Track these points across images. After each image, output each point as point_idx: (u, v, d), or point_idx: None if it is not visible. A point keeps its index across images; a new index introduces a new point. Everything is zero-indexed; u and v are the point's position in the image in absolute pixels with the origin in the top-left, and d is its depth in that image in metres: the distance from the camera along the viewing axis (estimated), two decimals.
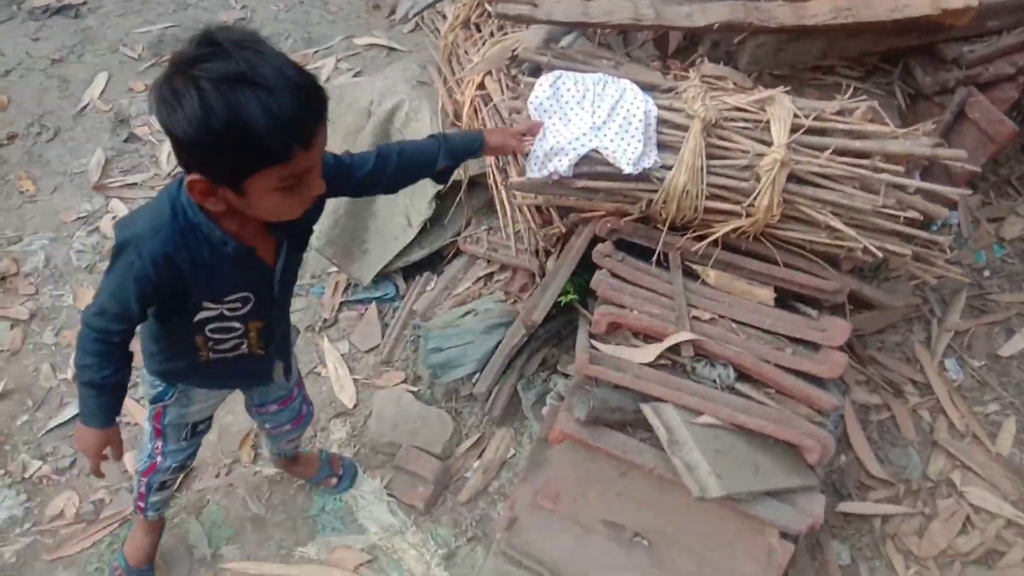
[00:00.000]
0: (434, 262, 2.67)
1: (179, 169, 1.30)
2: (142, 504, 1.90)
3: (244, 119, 1.02)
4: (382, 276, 2.65)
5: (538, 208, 2.09)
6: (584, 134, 1.76)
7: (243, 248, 1.28)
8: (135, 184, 3.14)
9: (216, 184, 1.14)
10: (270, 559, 2.10)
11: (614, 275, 1.92)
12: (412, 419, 2.26)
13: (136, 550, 1.98)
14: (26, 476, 2.30)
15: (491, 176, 2.30)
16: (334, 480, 2.19)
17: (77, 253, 2.90)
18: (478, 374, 2.24)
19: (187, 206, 1.23)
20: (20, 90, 3.50)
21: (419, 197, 2.47)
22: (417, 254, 2.58)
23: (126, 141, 3.31)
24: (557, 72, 1.84)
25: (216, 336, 1.45)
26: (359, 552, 2.09)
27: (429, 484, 2.14)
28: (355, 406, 2.43)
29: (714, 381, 1.81)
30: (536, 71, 2.10)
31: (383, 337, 2.57)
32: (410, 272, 2.68)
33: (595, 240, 1.99)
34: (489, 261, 2.46)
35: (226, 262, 1.28)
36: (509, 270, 2.43)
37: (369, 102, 2.52)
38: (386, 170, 1.52)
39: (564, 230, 2.04)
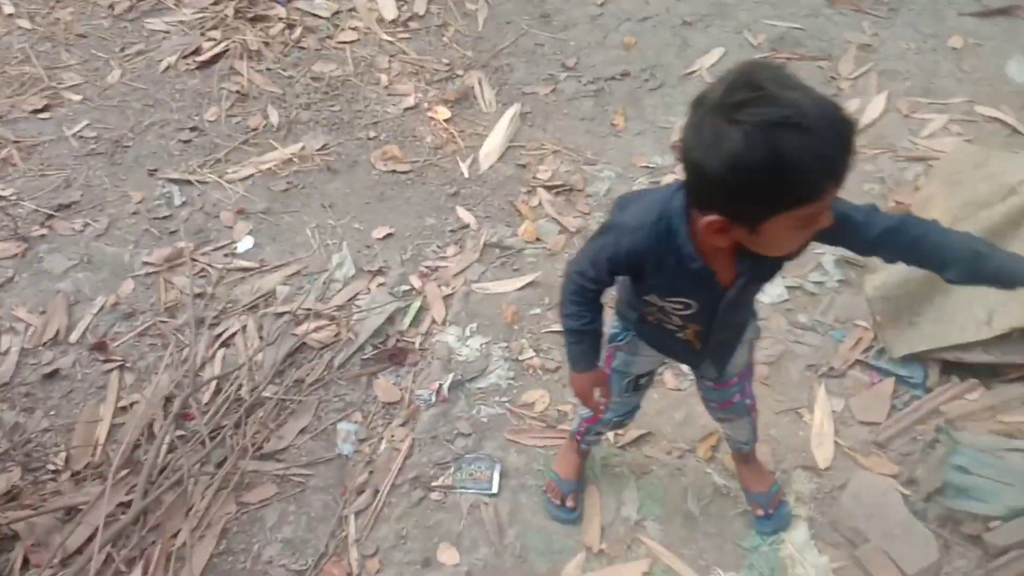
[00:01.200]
0: (983, 372, 2.30)
1: None
2: (579, 438, 2.08)
3: (786, 162, 1.03)
4: (915, 357, 2.36)
5: None
6: None
7: (707, 269, 1.32)
8: None
9: (733, 223, 1.16)
10: (687, 561, 2.04)
11: None
12: (892, 522, 1.99)
13: (565, 466, 2.16)
14: (519, 358, 2.55)
15: None
16: (762, 512, 2.09)
17: None
18: (1000, 522, 1.87)
19: (673, 215, 1.28)
20: (647, 38, 3.82)
21: (1019, 301, 2.11)
22: (974, 356, 2.23)
23: None
24: None
25: (658, 317, 1.53)
26: None
27: None
28: (827, 469, 2.22)
29: None
30: None
31: (886, 419, 2.30)
32: (950, 369, 2.35)
33: None
34: None
35: (686, 273, 1.33)
36: None
37: (1019, 180, 2.20)
38: (895, 244, 1.36)
39: None
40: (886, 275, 2.34)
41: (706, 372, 1.76)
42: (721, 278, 1.36)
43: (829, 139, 1.04)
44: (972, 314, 2.22)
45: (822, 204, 1.11)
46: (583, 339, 1.58)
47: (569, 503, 2.14)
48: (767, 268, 1.39)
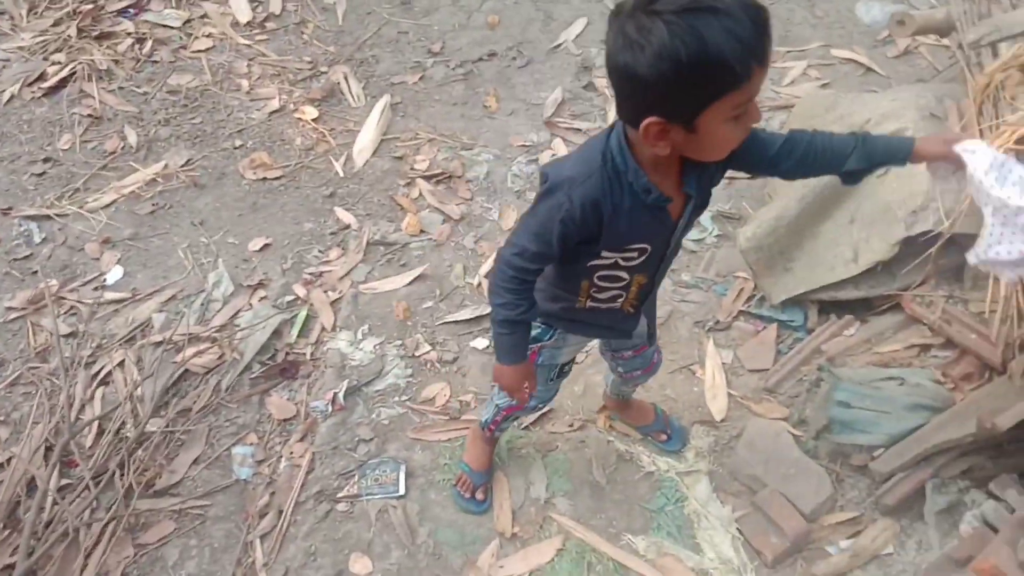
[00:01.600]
0: (857, 307, 2.40)
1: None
2: (492, 427, 2.04)
3: (711, 45, 1.04)
4: (794, 301, 2.44)
5: None
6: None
7: (663, 198, 1.31)
8: (579, 130, 3.25)
9: (671, 123, 1.15)
10: (598, 531, 2.06)
11: None
12: (787, 464, 2.05)
13: (477, 457, 2.15)
14: (416, 354, 2.51)
15: None
16: (664, 436, 2.21)
17: (513, 176, 3.09)
18: (883, 450, 1.96)
19: (616, 154, 1.27)
20: (510, 15, 3.80)
21: (878, 235, 2.21)
22: (847, 293, 2.32)
23: (584, 87, 3.44)
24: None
25: (601, 284, 1.49)
26: (688, 570, 1.96)
27: (785, 539, 1.93)
28: (722, 421, 2.29)
29: None
30: None
31: (774, 364, 2.38)
32: (827, 308, 2.44)
33: None
34: (934, 331, 2.13)
35: (642, 212, 1.31)
36: (955, 350, 2.08)
37: (866, 120, 2.28)
38: (791, 155, 1.41)
39: None
40: (755, 226, 2.41)
41: (637, 338, 1.77)
42: (671, 208, 1.35)
43: (745, 21, 1.06)
44: (839, 253, 2.30)
45: (751, 88, 1.12)
46: (516, 329, 1.50)
47: (479, 495, 2.13)
48: (708, 185, 1.39)
